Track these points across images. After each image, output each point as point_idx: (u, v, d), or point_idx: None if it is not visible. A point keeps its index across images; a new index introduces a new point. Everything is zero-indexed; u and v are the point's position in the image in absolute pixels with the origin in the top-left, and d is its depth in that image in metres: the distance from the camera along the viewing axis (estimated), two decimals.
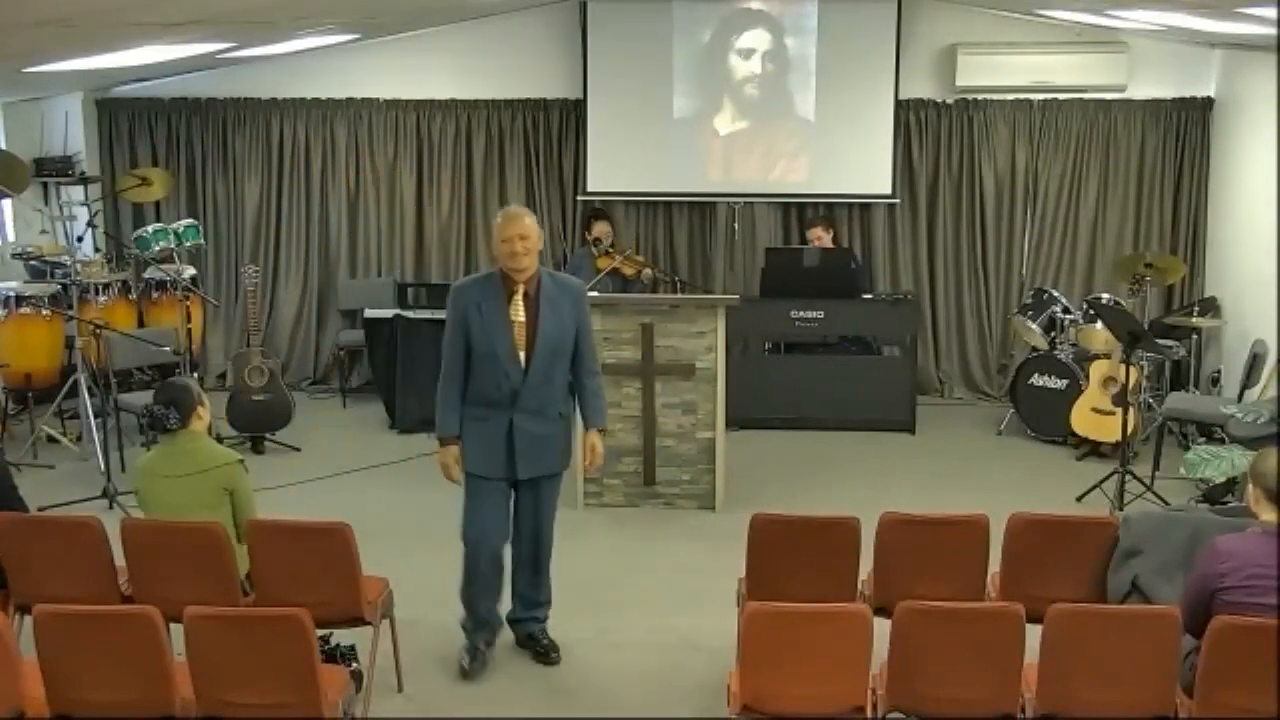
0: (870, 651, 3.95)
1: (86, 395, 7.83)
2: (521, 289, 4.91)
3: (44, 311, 8.20)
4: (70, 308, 8.11)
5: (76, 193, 9.30)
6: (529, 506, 5.15)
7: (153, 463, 5.01)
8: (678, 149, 9.63)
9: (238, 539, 4.77)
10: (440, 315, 8.65)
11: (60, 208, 9.13)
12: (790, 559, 4.71)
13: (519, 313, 4.90)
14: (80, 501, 6.97)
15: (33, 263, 8.91)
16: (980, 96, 9.45)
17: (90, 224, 9.05)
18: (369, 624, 4.74)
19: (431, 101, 9.81)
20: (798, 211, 9.81)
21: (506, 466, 4.98)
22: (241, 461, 4.94)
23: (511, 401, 4.92)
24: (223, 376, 9.73)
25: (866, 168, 9.52)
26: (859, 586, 4.84)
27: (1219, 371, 8.72)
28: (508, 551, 5.22)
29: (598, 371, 5.17)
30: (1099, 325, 8.00)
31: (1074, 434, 8.15)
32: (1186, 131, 9.35)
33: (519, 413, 4.94)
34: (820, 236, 9.07)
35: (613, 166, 9.66)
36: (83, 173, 9.45)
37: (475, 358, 4.92)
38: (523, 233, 4.84)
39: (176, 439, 4.92)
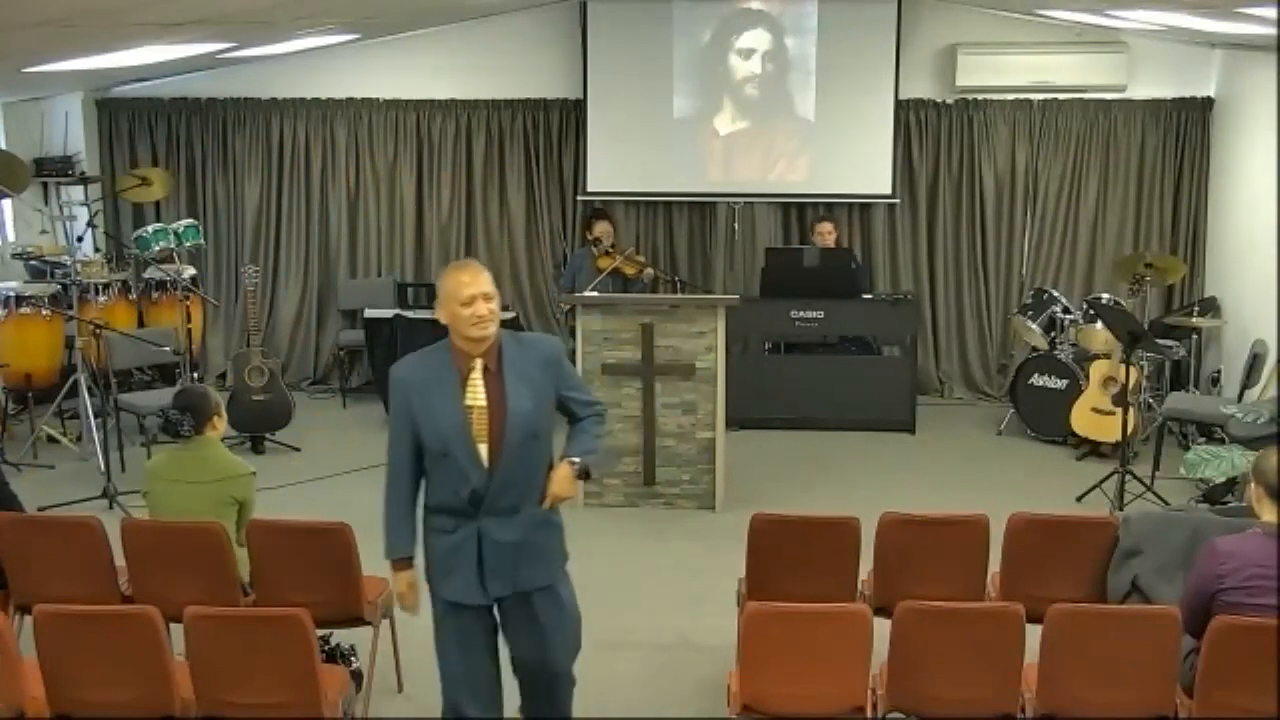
0: (870, 651, 3.95)
1: (86, 395, 7.83)
2: (479, 364, 3.81)
3: (44, 311, 8.20)
4: (70, 308, 8.11)
5: (76, 193, 9.30)
6: (522, 631, 4.03)
7: (164, 466, 5.01)
8: (678, 149, 9.63)
9: (238, 544, 4.77)
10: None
11: (60, 208, 9.13)
12: (790, 559, 4.71)
13: (477, 394, 3.80)
14: (80, 501, 6.97)
15: (33, 263, 8.91)
16: (980, 96, 9.45)
17: (90, 224, 9.05)
18: (369, 624, 4.74)
19: (431, 101, 9.81)
20: (798, 211, 9.81)
21: (479, 587, 3.89)
22: (254, 473, 4.95)
23: (476, 507, 3.84)
24: (223, 376, 9.72)
25: (866, 168, 9.51)
26: (859, 586, 4.84)
27: (1219, 371, 8.72)
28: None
29: (599, 409, 4.11)
30: (1099, 325, 8.00)
31: (1074, 434, 8.15)
32: (1186, 131, 9.35)
33: (487, 518, 3.85)
34: (829, 233, 9.05)
35: (613, 166, 9.66)
36: (83, 173, 9.45)
37: (428, 458, 3.86)
38: (488, 291, 3.79)
39: (191, 445, 4.93)
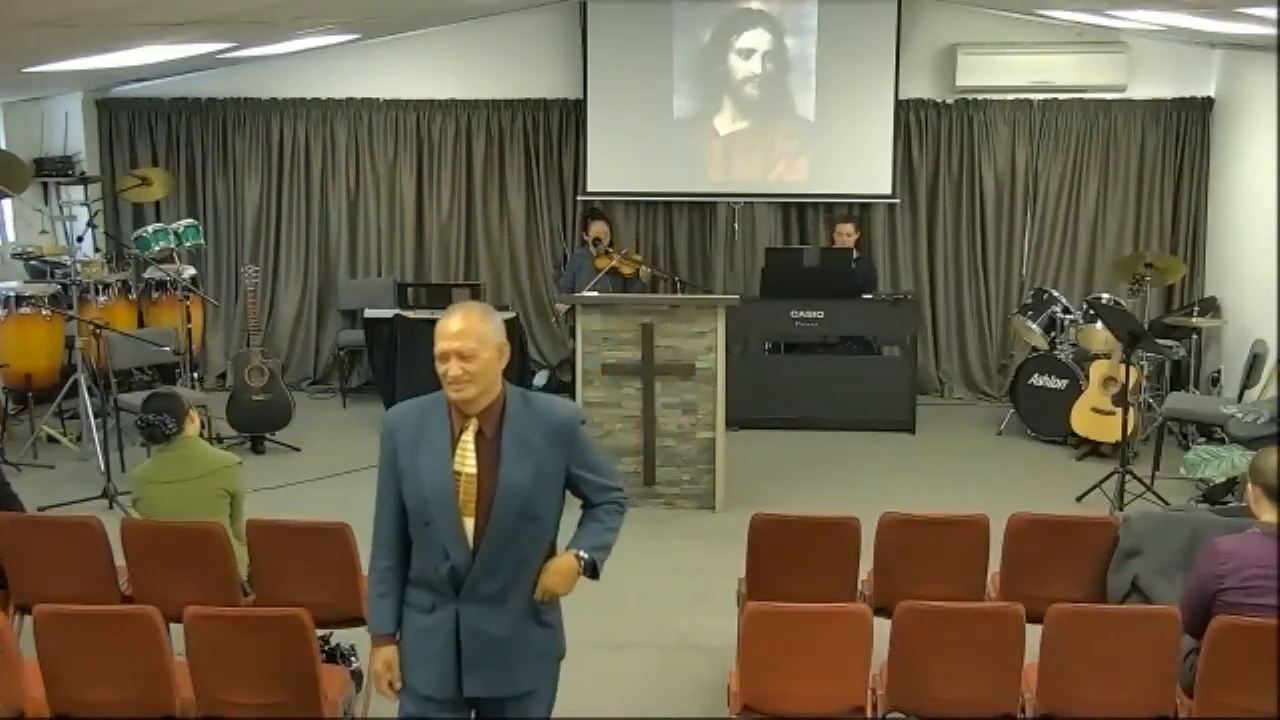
0: (870, 651, 3.95)
1: (86, 395, 7.83)
2: (474, 425, 3.27)
3: (44, 311, 8.19)
4: (70, 308, 8.11)
5: (76, 193, 9.30)
6: None
7: (151, 471, 5.02)
8: (678, 149, 9.63)
9: (235, 537, 4.78)
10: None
11: (60, 208, 9.13)
12: (790, 559, 4.71)
13: (467, 460, 3.27)
14: (80, 501, 6.97)
15: (33, 263, 8.91)
16: (980, 96, 9.45)
17: (90, 224, 9.05)
18: None
19: (431, 101, 9.81)
20: (798, 211, 9.81)
21: (454, 681, 3.33)
22: (239, 463, 4.95)
23: (456, 588, 3.29)
24: (223, 376, 9.73)
25: (866, 168, 9.52)
26: (859, 586, 4.84)
27: (1219, 371, 8.72)
28: None
29: (618, 497, 3.53)
30: (1099, 325, 8.00)
31: (1074, 434, 8.15)
32: (1186, 131, 9.35)
33: (468, 604, 3.29)
34: (849, 234, 9.04)
35: (613, 166, 9.66)
36: (83, 173, 9.45)
37: (411, 522, 3.34)
38: (463, 348, 3.18)
39: (173, 446, 4.94)
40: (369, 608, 3.45)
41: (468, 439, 3.27)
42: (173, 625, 3.96)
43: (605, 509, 3.50)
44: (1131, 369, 7.30)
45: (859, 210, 9.57)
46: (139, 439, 7.86)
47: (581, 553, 3.40)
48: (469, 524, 3.26)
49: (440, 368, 3.20)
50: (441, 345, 3.19)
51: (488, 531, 3.26)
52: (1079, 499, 7.22)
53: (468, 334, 3.18)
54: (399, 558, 3.38)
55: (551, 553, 3.44)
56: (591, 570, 3.42)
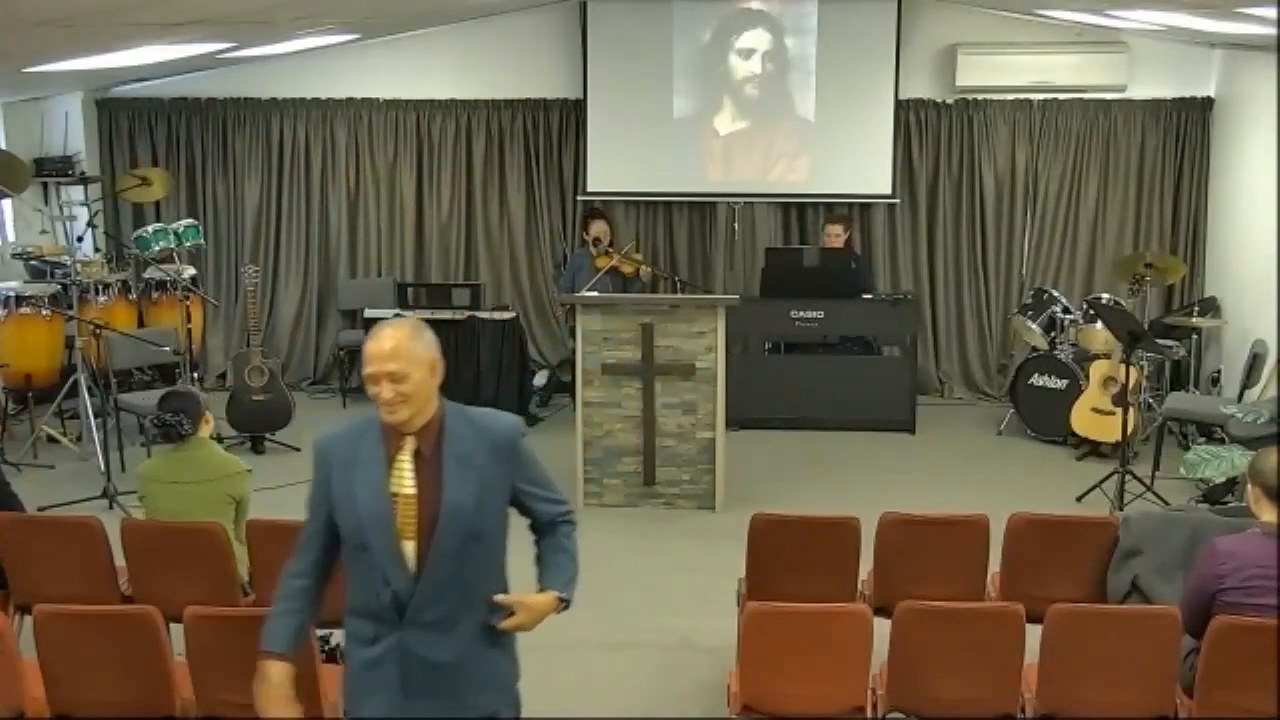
0: (870, 651, 3.95)
1: (86, 395, 7.83)
2: (411, 444, 3.14)
3: (44, 311, 8.20)
4: (70, 308, 8.11)
5: (76, 193, 9.30)
6: None
7: (158, 469, 5.01)
8: (678, 149, 9.63)
9: (237, 540, 4.78)
10: (441, 315, 8.78)
11: (60, 208, 9.13)
12: (790, 559, 4.71)
13: (404, 481, 3.13)
14: (80, 501, 6.97)
15: (33, 263, 8.91)
16: (980, 96, 9.45)
17: (90, 224, 9.05)
18: None
19: (431, 101, 9.81)
20: (798, 211, 9.81)
21: (402, 712, 3.18)
22: (249, 471, 4.95)
23: (399, 615, 3.13)
24: (223, 376, 9.73)
25: (866, 168, 9.51)
26: (859, 586, 4.84)
27: (1219, 371, 8.72)
28: None
29: (569, 514, 3.38)
30: (1099, 325, 8.00)
31: (1074, 434, 8.15)
32: (1186, 131, 9.35)
33: (412, 630, 3.14)
34: (838, 235, 9.04)
35: (613, 166, 9.66)
36: (83, 173, 9.45)
37: (345, 550, 3.21)
38: (394, 370, 3.06)
39: (184, 446, 4.93)
40: (266, 622, 3.26)
41: (404, 459, 3.14)
42: (173, 625, 3.96)
43: (563, 531, 3.35)
44: (1131, 369, 7.30)
45: (853, 211, 9.57)
46: (139, 439, 7.91)
47: (562, 594, 3.26)
48: (409, 547, 3.11)
49: (371, 390, 3.09)
50: (370, 368, 3.07)
51: (431, 555, 3.11)
52: (1079, 499, 7.22)
53: (397, 355, 3.06)
54: (314, 580, 3.27)
55: (500, 573, 3.27)
56: (565, 607, 3.29)
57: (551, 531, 3.35)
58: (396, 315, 8.77)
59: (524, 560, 3.42)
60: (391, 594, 3.12)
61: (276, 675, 3.19)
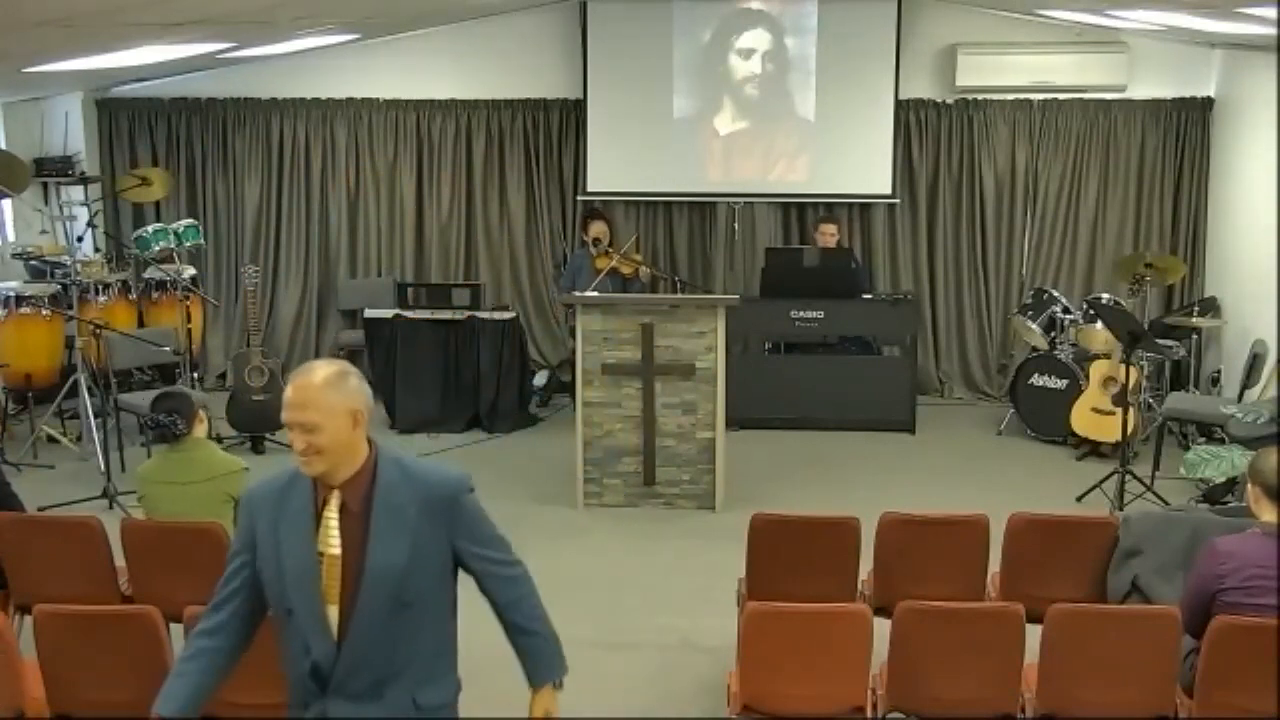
0: (870, 651, 3.95)
1: (86, 395, 7.83)
2: (337, 498, 2.89)
3: (44, 311, 8.20)
4: (70, 308, 8.11)
5: (76, 193, 9.30)
6: None
7: (156, 470, 5.01)
8: (678, 149, 9.63)
9: None
10: (441, 315, 8.79)
11: (60, 208, 9.13)
12: (790, 559, 4.71)
13: (330, 539, 2.88)
14: (80, 501, 6.97)
15: (33, 263, 8.91)
16: (980, 96, 9.45)
17: (90, 224, 9.05)
18: None
19: (431, 101, 9.81)
20: (798, 211, 9.81)
21: None
22: (246, 469, 4.95)
23: (321, 686, 2.92)
24: (223, 376, 9.73)
25: (866, 168, 9.51)
26: (859, 586, 4.84)
27: (1219, 371, 8.72)
28: None
29: (524, 574, 3.07)
30: (1099, 325, 8.00)
31: (1074, 434, 8.15)
32: (1186, 131, 9.35)
33: (338, 700, 2.91)
34: (831, 234, 9.04)
35: (613, 166, 9.66)
36: (83, 173, 9.45)
37: (273, 614, 2.99)
38: (305, 421, 2.82)
39: (181, 446, 4.93)
40: (166, 680, 3.04)
41: (331, 515, 2.87)
42: (173, 625, 3.96)
43: (525, 600, 3.05)
44: (1131, 369, 7.30)
45: (853, 211, 9.57)
46: (139, 439, 7.91)
47: (557, 680, 3.10)
48: (333, 613, 2.87)
49: (289, 437, 2.86)
50: (285, 415, 2.84)
51: (353, 620, 2.86)
52: (1079, 499, 7.22)
53: (308, 404, 2.81)
54: (226, 639, 3.01)
55: (441, 641, 3.00)
56: (557, 686, 3.12)
57: (512, 607, 3.04)
58: (397, 315, 8.79)
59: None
60: (312, 663, 2.90)
61: None
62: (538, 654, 3.08)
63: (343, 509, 2.88)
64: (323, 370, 2.87)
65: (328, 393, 2.82)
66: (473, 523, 2.98)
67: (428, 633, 2.96)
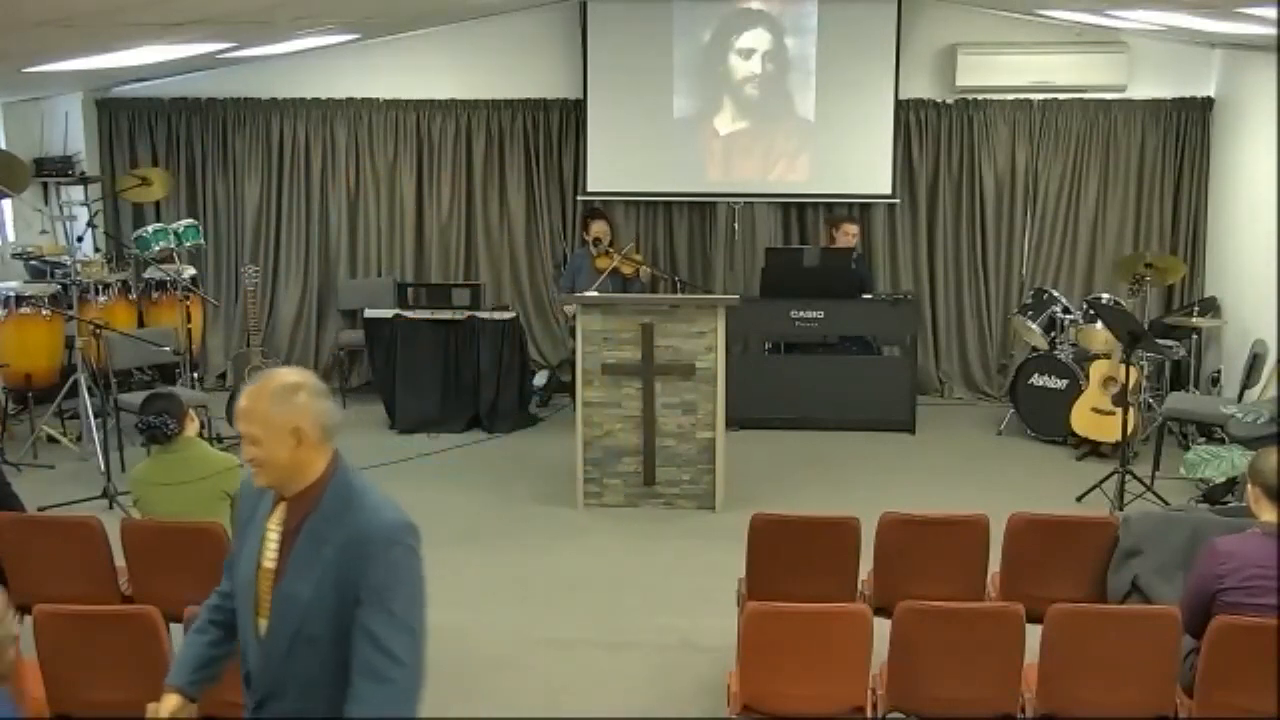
0: (870, 651, 3.95)
1: (86, 395, 7.83)
2: (282, 512, 2.85)
3: (44, 311, 8.20)
4: (70, 308, 8.11)
5: (76, 193, 9.30)
6: None
7: (150, 472, 5.02)
8: (678, 149, 9.63)
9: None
10: (441, 315, 8.78)
11: (60, 208, 9.13)
12: (790, 559, 4.71)
13: (269, 552, 2.84)
14: (80, 501, 6.97)
15: (33, 263, 8.91)
16: (980, 96, 9.45)
17: (90, 224, 9.05)
18: None
19: (431, 101, 9.81)
20: (798, 211, 9.81)
21: None
22: (242, 465, 4.95)
23: (254, 698, 2.91)
24: (223, 376, 9.73)
25: (866, 168, 9.51)
26: (859, 586, 4.84)
27: (1219, 371, 8.72)
28: None
29: (393, 679, 2.66)
30: (1099, 325, 8.00)
31: (1074, 434, 8.15)
32: (1186, 131, 9.35)
33: (264, 703, 2.88)
34: (853, 233, 9.03)
35: (613, 166, 9.66)
36: (83, 173, 9.45)
37: None
38: (245, 431, 2.79)
39: (173, 447, 4.94)
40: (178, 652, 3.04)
41: (273, 527, 2.84)
42: (173, 625, 3.96)
43: (374, 694, 2.65)
44: (1131, 369, 7.30)
45: (853, 210, 9.56)
46: (139, 439, 7.90)
47: None
48: (263, 624, 2.83)
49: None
50: (237, 424, 2.82)
51: (267, 643, 2.81)
52: (1079, 499, 7.22)
53: (249, 416, 2.77)
54: (221, 612, 3.04)
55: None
56: None
57: (358, 695, 2.66)
58: (397, 315, 8.78)
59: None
60: (246, 672, 2.90)
61: (171, 705, 3.00)
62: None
63: (285, 526, 2.82)
64: (273, 382, 2.81)
65: (270, 407, 2.76)
66: (380, 583, 2.69)
67: (331, 673, 2.74)
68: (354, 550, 2.71)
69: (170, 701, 3.01)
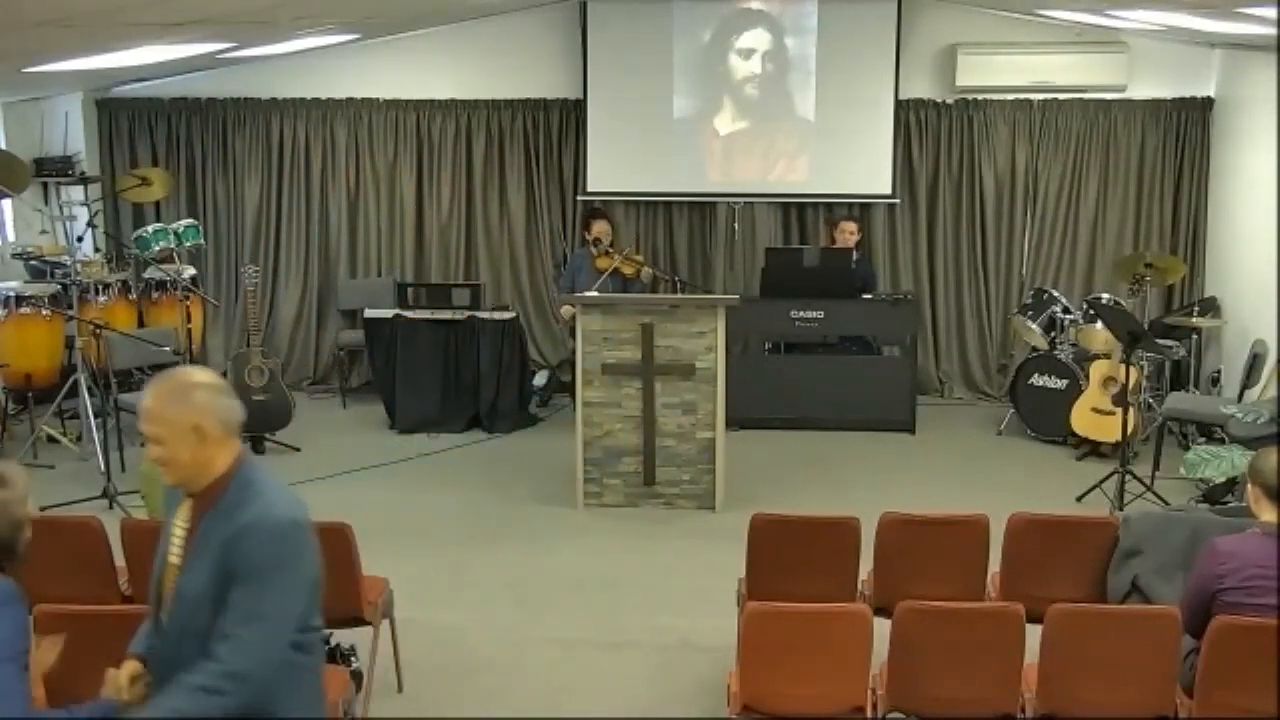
0: (870, 651, 3.95)
1: (86, 395, 7.83)
2: (187, 509, 2.92)
3: (44, 311, 8.19)
4: (70, 308, 8.11)
5: (76, 193, 9.29)
6: None
7: (157, 468, 5.01)
8: (678, 149, 9.63)
9: None
10: (441, 315, 8.78)
11: (60, 208, 9.13)
12: (790, 559, 4.71)
13: (174, 548, 2.93)
14: (80, 501, 6.96)
15: (33, 263, 8.91)
16: (980, 96, 9.45)
17: (90, 224, 9.04)
18: (369, 624, 4.74)
19: (431, 101, 9.80)
20: (798, 211, 9.81)
21: None
22: None
23: (158, 683, 2.95)
24: (223, 376, 9.70)
25: (866, 168, 9.51)
26: (859, 586, 4.84)
27: (1219, 371, 8.72)
28: None
29: (233, 670, 2.73)
30: (1099, 325, 8.00)
31: (1074, 434, 8.15)
32: (1186, 131, 9.35)
33: (160, 688, 2.91)
34: (852, 232, 9.04)
35: (613, 166, 9.66)
36: (83, 173, 9.45)
37: None
38: (147, 430, 2.84)
39: None
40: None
41: (179, 524, 2.91)
42: None
43: (197, 683, 2.71)
44: (1131, 369, 7.30)
45: (853, 210, 9.56)
46: (139, 438, 7.90)
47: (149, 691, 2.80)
48: (165, 616, 2.92)
49: None
50: (139, 424, 2.85)
51: (164, 637, 2.88)
52: (1079, 499, 7.22)
53: (150, 416, 2.81)
54: None
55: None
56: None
57: (197, 667, 2.73)
58: (397, 315, 8.78)
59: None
60: (154, 659, 2.96)
61: (123, 674, 3.01)
62: (175, 687, 2.76)
63: (190, 521, 2.89)
64: (172, 382, 2.84)
65: (169, 406, 2.80)
66: (246, 576, 2.73)
67: None
68: (235, 543, 2.76)
69: (130, 667, 3.05)
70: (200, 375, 2.89)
